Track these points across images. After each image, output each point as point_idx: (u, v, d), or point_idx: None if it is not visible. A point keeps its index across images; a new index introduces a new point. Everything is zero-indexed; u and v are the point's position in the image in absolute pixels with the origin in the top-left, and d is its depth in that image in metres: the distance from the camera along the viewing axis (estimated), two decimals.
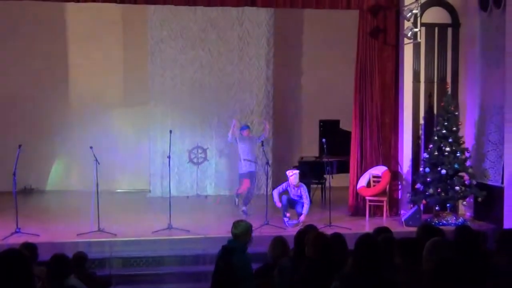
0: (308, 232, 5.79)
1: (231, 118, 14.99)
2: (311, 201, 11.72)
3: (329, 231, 6.48)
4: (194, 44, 14.93)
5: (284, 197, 11.32)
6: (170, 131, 11.36)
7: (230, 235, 10.17)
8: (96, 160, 10.61)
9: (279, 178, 14.31)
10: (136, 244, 10.12)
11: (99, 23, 15.18)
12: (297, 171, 11.46)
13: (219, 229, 10.80)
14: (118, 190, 15.29)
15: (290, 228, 10.71)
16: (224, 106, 15.10)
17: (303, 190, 11.32)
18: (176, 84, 14.96)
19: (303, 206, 11.20)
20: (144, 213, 12.63)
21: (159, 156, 14.69)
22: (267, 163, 11.61)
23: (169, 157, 11.26)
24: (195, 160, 15.03)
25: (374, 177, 12.19)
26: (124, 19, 15.43)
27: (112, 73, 15.42)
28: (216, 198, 14.59)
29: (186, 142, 14.99)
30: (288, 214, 11.23)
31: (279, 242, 6.28)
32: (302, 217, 11.09)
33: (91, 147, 10.69)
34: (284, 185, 11.46)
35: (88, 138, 13.66)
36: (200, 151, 15.06)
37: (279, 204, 11.27)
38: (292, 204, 11.39)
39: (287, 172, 11.48)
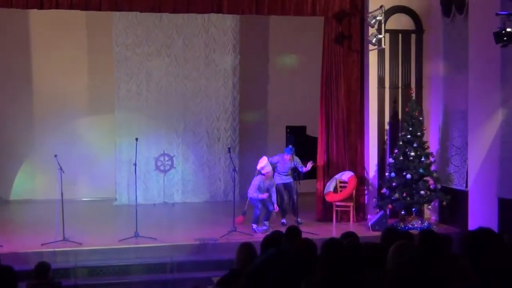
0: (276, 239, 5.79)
1: (197, 125, 14.99)
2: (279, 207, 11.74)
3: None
4: (160, 51, 14.88)
5: (256, 206, 11.24)
6: (136, 139, 11.26)
7: (196, 242, 10.16)
8: (61, 168, 10.47)
9: (246, 184, 14.31)
10: (102, 253, 10.00)
11: (63, 29, 15.01)
12: (265, 157, 11.45)
13: (186, 236, 10.75)
14: (84, 199, 15.10)
15: (258, 234, 10.70)
16: (190, 113, 15.06)
17: (273, 186, 11.41)
18: (142, 91, 14.88)
19: (271, 202, 11.27)
20: (110, 221, 12.51)
21: (125, 164, 14.58)
22: (234, 169, 11.58)
23: (135, 164, 11.17)
24: (161, 168, 14.95)
25: (340, 182, 12.26)
26: (88, 26, 15.28)
27: (77, 80, 15.25)
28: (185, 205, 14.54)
29: (153, 149, 14.91)
30: (255, 225, 11.20)
31: (246, 248, 6.23)
32: (276, 208, 11.27)
33: (55, 156, 10.55)
34: (256, 180, 11.30)
35: (53, 146, 13.51)
36: (166, 158, 14.99)
37: (262, 196, 11.17)
38: (265, 203, 11.36)
39: (259, 166, 11.37)
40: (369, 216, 12.20)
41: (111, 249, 10.10)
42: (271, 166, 11.46)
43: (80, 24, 15.14)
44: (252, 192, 11.19)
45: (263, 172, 11.24)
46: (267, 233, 6.41)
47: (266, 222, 11.33)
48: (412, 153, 11.32)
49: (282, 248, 5.74)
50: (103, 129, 15.28)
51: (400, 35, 12.42)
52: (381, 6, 11.77)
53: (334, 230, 11.57)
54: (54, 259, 9.28)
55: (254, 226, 11.20)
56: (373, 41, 11.84)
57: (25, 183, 15.14)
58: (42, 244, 10.01)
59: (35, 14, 14.23)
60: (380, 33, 11.89)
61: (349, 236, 5.98)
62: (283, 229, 6.34)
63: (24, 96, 15.13)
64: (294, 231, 6.07)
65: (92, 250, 10.02)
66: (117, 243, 10.29)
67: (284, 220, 11.89)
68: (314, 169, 12.61)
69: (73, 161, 14.01)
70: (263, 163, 11.33)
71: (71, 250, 9.91)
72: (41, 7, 11.20)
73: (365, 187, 12.45)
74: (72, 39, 15.17)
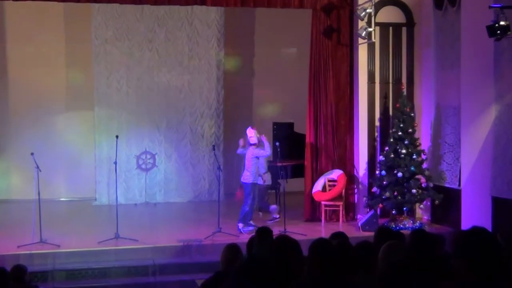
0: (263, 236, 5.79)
1: (180, 122, 14.95)
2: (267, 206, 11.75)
3: None
4: (141, 45, 14.83)
5: (245, 206, 11.26)
6: (117, 136, 11.22)
7: (180, 244, 10.15)
8: (38, 167, 10.41)
9: (231, 183, 14.33)
10: (80, 255, 9.96)
11: (40, 21, 14.92)
12: (249, 127, 11.54)
13: (169, 238, 10.74)
14: (62, 199, 15.04)
15: (244, 235, 10.71)
16: (173, 109, 15.04)
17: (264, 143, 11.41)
18: (122, 87, 14.82)
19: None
20: (90, 222, 12.45)
21: (105, 162, 14.53)
22: (218, 168, 11.58)
23: (115, 163, 11.13)
24: (143, 166, 14.91)
25: (329, 181, 12.29)
26: (66, 18, 15.20)
27: (54, 75, 15.16)
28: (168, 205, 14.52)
29: (134, 147, 14.87)
30: (240, 225, 11.22)
31: (232, 250, 6.24)
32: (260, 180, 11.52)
33: (32, 154, 10.48)
34: (249, 154, 11.33)
35: (29, 144, 13.45)
36: (148, 156, 14.95)
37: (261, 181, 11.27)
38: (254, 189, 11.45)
39: (248, 131, 11.46)
40: (359, 216, 12.25)
41: (91, 251, 10.07)
42: (254, 135, 11.38)
43: (57, 16, 15.05)
44: (250, 169, 11.23)
45: (251, 142, 11.28)
46: (253, 234, 6.39)
47: (251, 222, 11.34)
48: (403, 151, 11.37)
49: (253, 255, 5.75)
50: (82, 125, 15.22)
51: (390, 28, 12.46)
52: None
53: (323, 230, 11.59)
54: (31, 262, 9.22)
55: (240, 226, 11.21)
56: (363, 35, 11.87)
57: (0, 183, 15.05)
58: (18, 246, 9.95)
59: (10, 5, 14.11)
60: (370, 26, 11.92)
61: (339, 236, 5.98)
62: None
63: None
64: (264, 231, 6.03)
65: (71, 253, 9.98)
66: (97, 245, 10.25)
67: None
68: (301, 167, 12.65)
69: (51, 159, 13.93)
70: (251, 133, 11.35)
71: (48, 252, 9.86)
72: None
73: (355, 186, 12.50)
74: (49, 31, 15.08)
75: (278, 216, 12.20)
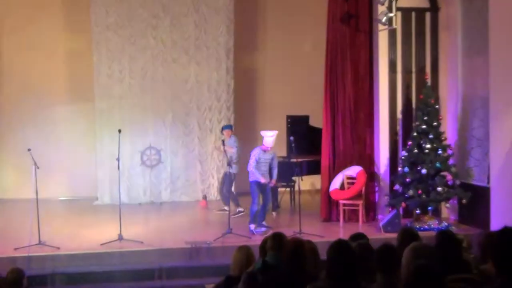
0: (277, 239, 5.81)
1: (187, 115, 14.99)
2: (278, 206, 11.77)
3: None
4: (145, 32, 14.88)
5: (254, 205, 11.30)
6: (119, 131, 11.28)
7: (188, 246, 10.18)
8: (35, 164, 10.47)
9: (241, 180, 14.32)
10: (82, 258, 10.00)
11: (37, 8, 14.99)
12: (276, 131, 11.58)
13: (176, 240, 10.77)
14: (61, 198, 15.14)
15: (257, 237, 10.73)
16: (180, 102, 15.08)
17: (275, 156, 11.53)
18: (125, 77, 14.88)
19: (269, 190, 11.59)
20: (91, 223, 12.49)
21: (107, 159, 14.57)
22: (229, 164, 11.59)
23: (118, 159, 11.17)
24: (148, 163, 14.96)
25: (348, 178, 12.28)
26: (65, 4, 15.28)
27: (52, 65, 15.26)
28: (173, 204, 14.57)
29: (138, 142, 14.93)
30: (252, 226, 11.26)
31: (243, 252, 6.27)
32: (273, 183, 11.55)
33: (29, 149, 10.54)
34: (253, 154, 11.40)
35: (26, 139, 13.54)
36: (153, 152, 15.00)
37: (265, 180, 11.32)
38: (261, 188, 11.47)
39: (264, 132, 11.46)
40: (380, 216, 12.24)
41: (93, 254, 10.10)
42: (272, 142, 11.45)
43: (55, 2, 15.12)
44: (251, 169, 11.32)
45: (263, 143, 11.35)
46: (267, 235, 6.41)
47: (264, 223, 11.38)
48: (428, 145, 11.34)
49: (266, 259, 5.77)
50: (82, 119, 15.30)
51: (413, 13, 12.42)
52: None
53: (341, 232, 11.60)
54: (28, 265, 9.30)
55: (252, 227, 11.24)
56: (383, 21, 11.84)
57: None
58: (15, 249, 10.01)
59: None
60: (391, 12, 11.88)
61: (358, 237, 5.99)
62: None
63: None
64: (277, 234, 6.03)
65: (72, 255, 10.02)
66: (99, 247, 10.29)
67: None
68: (318, 163, 12.66)
69: (49, 155, 14.03)
70: (266, 132, 11.40)
71: (47, 255, 9.92)
72: None
73: (376, 183, 12.48)
74: (46, 18, 15.18)
75: (242, 209, 12.72)
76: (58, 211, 13.48)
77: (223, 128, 13.80)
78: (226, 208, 12.62)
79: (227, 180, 13.29)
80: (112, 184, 14.39)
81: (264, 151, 11.36)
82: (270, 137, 11.33)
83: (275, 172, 11.53)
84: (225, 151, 12.13)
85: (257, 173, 11.25)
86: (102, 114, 14.84)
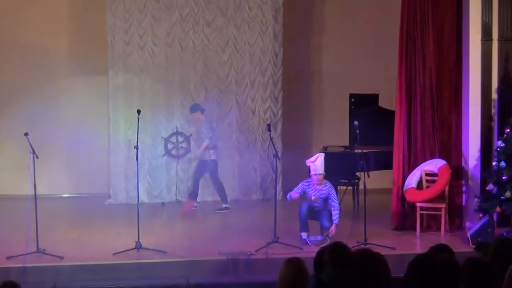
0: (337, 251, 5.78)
1: (223, 93, 14.99)
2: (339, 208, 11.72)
3: None
4: None
5: (304, 206, 11.29)
6: (138, 111, 11.34)
7: (222, 257, 10.21)
8: (34, 152, 10.58)
9: (290, 176, 14.30)
10: (90, 270, 10.12)
11: None
12: (321, 154, 11.45)
13: (208, 249, 10.84)
14: (65, 195, 15.32)
15: (311, 247, 10.71)
16: (214, 76, 15.12)
17: (330, 190, 11.34)
18: (146, 44, 14.94)
19: (329, 215, 11.21)
20: (102, 227, 12.62)
21: (123, 147, 14.70)
22: (276, 155, 11.57)
23: (136, 147, 11.23)
24: (173, 152, 15.01)
25: (427, 175, 12.19)
26: None
27: (57, 29, 15.37)
28: (203, 204, 14.63)
29: (161, 126, 14.99)
30: (305, 234, 11.25)
31: (293, 266, 6.25)
32: (333, 228, 11.15)
33: (26, 134, 10.67)
34: (301, 184, 11.45)
35: (22, 121, 13.66)
36: (180, 139, 15.04)
37: (295, 195, 11.28)
38: (313, 214, 11.38)
39: (307, 161, 11.43)
40: (468, 224, 12.15)
41: (104, 266, 10.22)
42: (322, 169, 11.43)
43: None
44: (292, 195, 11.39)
45: (311, 172, 11.32)
46: (324, 245, 6.39)
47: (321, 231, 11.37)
48: None
49: (323, 278, 5.75)
50: (92, 97, 15.40)
51: None
52: None
53: (418, 243, 11.58)
54: (24, 278, 9.40)
55: (304, 235, 11.22)
56: None
57: None
58: (8, 258, 10.17)
59: None
60: None
61: (441, 250, 5.95)
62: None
63: None
64: (338, 246, 5.99)
65: (77, 267, 10.15)
66: (112, 257, 10.41)
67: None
68: (389, 155, 12.57)
69: (51, 142, 14.17)
70: (314, 158, 11.36)
71: (48, 266, 10.06)
72: None
73: (463, 182, 12.38)
74: None
75: (196, 205, 13.37)
76: (61, 212, 13.62)
77: (191, 110, 14.14)
78: (225, 205, 13.59)
79: (201, 169, 13.97)
80: (129, 178, 14.53)
81: (315, 185, 11.33)
82: (314, 162, 11.25)
83: (336, 214, 11.30)
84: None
85: (292, 194, 11.34)
86: (117, 90, 14.94)
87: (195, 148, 14.10)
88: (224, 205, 13.95)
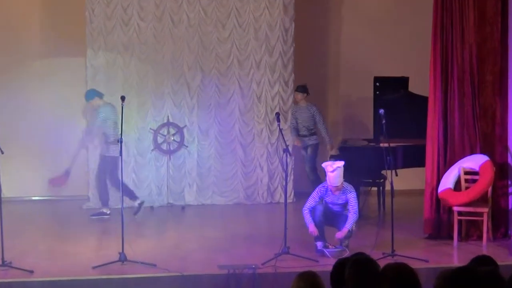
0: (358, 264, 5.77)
1: (224, 76, 14.97)
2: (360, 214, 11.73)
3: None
4: None
5: (318, 209, 11.28)
6: (122, 98, 11.32)
7: (223, 272, 10.21)
8: None
9: (303, 174, 14.31)
10: (66, 287, 10.12)
11: None
12: (340, 163, 11.42)
13: (205, 262, 10.87)
14: (35, 198, 15.33)
15: (327, 260, 10.69)
16: (213, 55, 15.13)
17: (351, 195, 11.31)
18: (131, 18, 14.96)
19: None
20: (80, 236, 12.64)
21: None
22: (286, 150, 11.55)
23: (120, 141, 11.21)
24: (164, 147, 15.04)
25: (466, 173, 12.19)
26: None
27: (27, 2, 15.38)
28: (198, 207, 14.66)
29: (149, 116, 15.03)
30: (320, 244, 11.26)
31: (307, 281, 6.26)
32: (341, 233, 11.16)
33: None
34: (316, 191, 11.45)
35: None
36: (172, 131, 15.07)
37: (313, 230, 11.20)
38: (330, 218, 11.37)
39: (325, 165, 11.42)
40: None
41: (82, 281, 10.21)
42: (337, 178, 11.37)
43: None
44: (307, 215, 11.32)
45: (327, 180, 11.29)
46: (343, 257, 6.38)
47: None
48: None
49: None
50: (67, 81, 15.39)
51: None
52: None
53: (455, 254, 11.59)
54: None
55: (320, 245, 11.22)
56: None
57: None
58: None
59: None
60: None
61: (483, 262, 5.96)
62: None
63: None
64: (360, 260, 5.98)
65: (50, 283, 10.13)
66: (91, 271, 10.40)
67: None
68: (421, 150, 12.56)
69: (18, 135, 14.19)
70: (332, 168, 11.34)
71: (15, 282, 10.03)
72: None
73: (509, 182, 12.38)
74: None
75: (108, 212, 13.59)
76: (31, 217, 13.63)
77: (86, 97, 14.35)
78: (105, 210, 13.74)
79: (104, 166, 14.07)
80: None
81: (332, 191, 11.33)
82: (331, 173, 11.21)
83: (351, 218, 11.25)
84: None
85: (307, 218, 11.24)
86: (97, 73, 14.96)
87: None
88: (103, 209, 13.99)
